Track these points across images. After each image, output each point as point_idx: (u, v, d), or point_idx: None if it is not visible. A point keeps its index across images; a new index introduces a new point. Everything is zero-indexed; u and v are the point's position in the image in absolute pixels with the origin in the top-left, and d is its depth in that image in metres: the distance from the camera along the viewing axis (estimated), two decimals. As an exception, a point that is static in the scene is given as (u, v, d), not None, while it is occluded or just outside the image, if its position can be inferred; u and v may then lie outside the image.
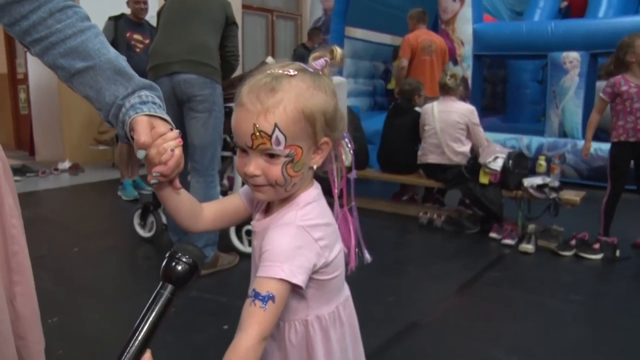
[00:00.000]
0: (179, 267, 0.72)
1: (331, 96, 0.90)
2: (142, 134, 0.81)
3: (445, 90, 4.02)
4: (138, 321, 0.69)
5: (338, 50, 0.93)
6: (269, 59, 3.18)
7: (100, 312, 2.47)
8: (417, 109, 4.30)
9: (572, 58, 5.44)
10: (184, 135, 2.86)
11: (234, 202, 1.04)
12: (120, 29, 4.47)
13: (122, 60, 0.88)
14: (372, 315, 2.48)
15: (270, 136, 0.83)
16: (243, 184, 3.29)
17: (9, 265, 0.85)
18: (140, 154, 0.82)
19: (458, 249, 3.59)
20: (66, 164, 6.08)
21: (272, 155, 0.85)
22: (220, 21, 2.88)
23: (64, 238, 3.63)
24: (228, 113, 3.04)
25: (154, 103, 0.86)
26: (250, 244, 3.18)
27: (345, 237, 1.01)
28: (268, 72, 0.87)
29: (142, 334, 0.68)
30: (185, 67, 2.72)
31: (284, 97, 0.84)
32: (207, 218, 1.00)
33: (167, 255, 0.74)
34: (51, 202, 4.88)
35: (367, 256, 1.00)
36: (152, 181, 0.85)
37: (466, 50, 6.06)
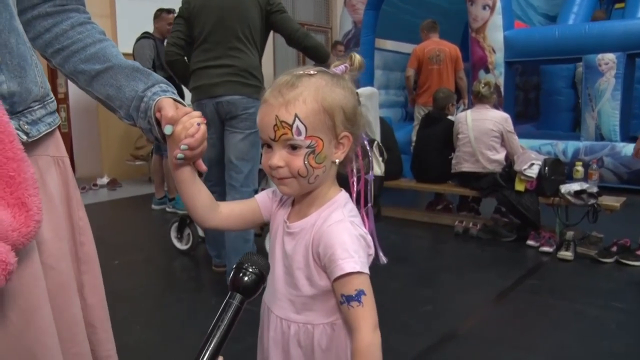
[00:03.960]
0: (246, 277, 0.76)
1: (350, 94, 0.94)
2: (170, 110, 0.86)
3: (479, 99, 4.00)
4: (210, 329, 0.72)
5: (357, 57, 0.98)
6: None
7: (141, 322, 2.52)
8: (450, 117, 4.29)
9: (608, 60, 5.33)
10: (222, 152, 2.83)
11: (251, 205, 1.06)
12: (159, 49, 4.56)
13: (138, 64, 0.94)
14: (408, 326, 2.47)
15: (291, 126, 0.87)
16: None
17: (78, 255, 0.90)
18: (168, 129, 0.86)
19: (495, 257, 3.54)
20: (105, 180, 6.25)
21: (294, 147, 0.89)
22: (259, 24, 2.77)
23: (104, 251, 3.67)
24: None
25: (174, 93, 0.92)
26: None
27: None
28: (290, 72, 0.93)
29: (214, 341, 0.71)
30: (230, 90, 2.70)
31: (304, 91, 0.89)
32: (221, 214, 1.02)
33: (234, 266, 0.78)
34: (91, 216, 4.87)
35: (383, 258, 1.02)
36: (178, 155, 0.87)
37: (498, 58, 6.00)
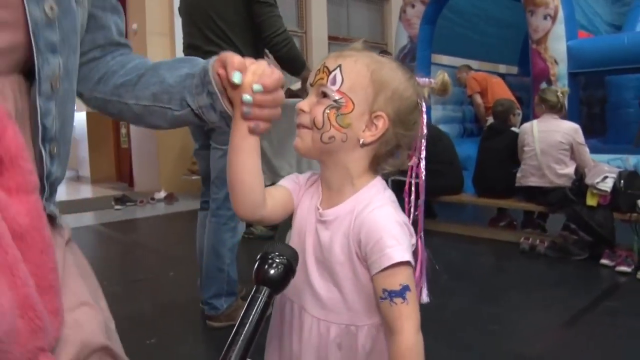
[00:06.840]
0: (273, 270, 0.67)
1: (411, 90, 0.87)
2: (235, 58, 0.74)
3: (548, 108, 3.81)
4: (235, 328, 0.63)
5: (444, 77, 0.91)
6: None
7: (195, 334, 2.48)
8: (513, 129, 4.10)
9: (683, 69, 5.01)
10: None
11: (283, 190, 0.94)
12: None
13: (183, 57, 0.90)
14: (472, 346, 2.31)
15: (330, 72, 0.84)
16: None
17: None
18: (236, 76, 0.73)
19: (565, 276, 3.31)
20: (162, 194, 6.35)
21: (324, 95, 0.84)
22: (235, 18, 2.30)
23: (160, 263, 3.73)
24: None
25: None
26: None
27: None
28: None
29: (240, 341, 0.62)
30: None
31: (360, 55, 0.86)
32: (267, 204, 0.88)
33: (259, 256, 0.69)
34: (148, 229, 5.07)
35: (425, 297, 0.94)
36: (245, 98, 0.73)
37: (560, 69, 5.74)
